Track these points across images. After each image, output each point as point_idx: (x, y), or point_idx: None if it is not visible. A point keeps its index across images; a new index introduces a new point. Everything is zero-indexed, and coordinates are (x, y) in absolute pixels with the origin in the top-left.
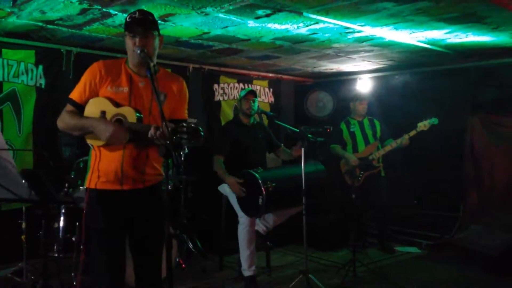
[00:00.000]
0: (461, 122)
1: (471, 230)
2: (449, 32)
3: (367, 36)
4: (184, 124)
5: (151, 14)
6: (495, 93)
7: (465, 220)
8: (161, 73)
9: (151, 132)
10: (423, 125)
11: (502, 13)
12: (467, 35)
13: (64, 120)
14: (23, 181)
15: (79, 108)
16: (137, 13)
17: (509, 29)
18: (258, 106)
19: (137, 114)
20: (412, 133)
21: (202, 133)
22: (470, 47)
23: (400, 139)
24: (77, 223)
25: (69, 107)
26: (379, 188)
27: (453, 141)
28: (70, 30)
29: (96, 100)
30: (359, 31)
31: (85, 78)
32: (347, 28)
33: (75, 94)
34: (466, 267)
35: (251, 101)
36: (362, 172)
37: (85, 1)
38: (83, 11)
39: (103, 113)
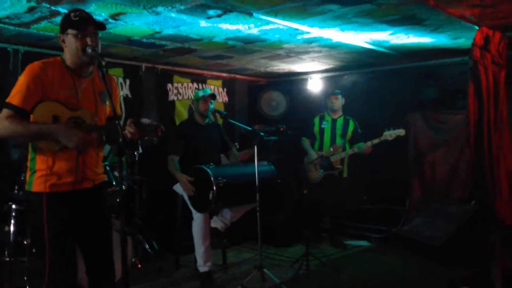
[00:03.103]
0: (405, 119)
1: (415, 222)
2: (392, 34)
3: (315, 37)
4: (144, 122)
5: None
6: (436, 92)
7: (411, 212)
8: (95, 73)
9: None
10: (388, 134)
11: (440, 15)
12: (408, 37)
13: (8, 127)
14: None
15: (22, 114)
16: (81, 11)
17: (447, 30)
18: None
19: (95, 117)
20: (375, 141)
21: (164, 129)
22: (412, 48)
23: (362, 146)
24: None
25: (8, 112)
26: (338, 188)
27: (398, 138)
28: (17, 28)
29: (45, 105)
30: (308, 32)
31: (27, 81)
32: (296, 29)
33: (17, 99)
34: (412, 257)
35: (209, 103)
36: (322, 171)
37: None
38: (30, 9)
39: (56, 117)
